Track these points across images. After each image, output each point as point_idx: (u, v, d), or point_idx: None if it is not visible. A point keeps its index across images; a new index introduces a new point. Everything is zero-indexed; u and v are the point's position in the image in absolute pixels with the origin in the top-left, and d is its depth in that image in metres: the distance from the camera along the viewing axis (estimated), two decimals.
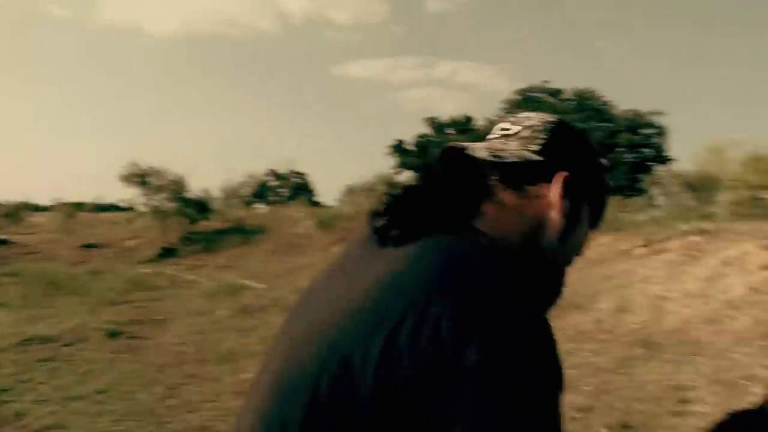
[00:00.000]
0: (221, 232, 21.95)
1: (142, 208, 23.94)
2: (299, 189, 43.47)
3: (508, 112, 37.56)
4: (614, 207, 15.25)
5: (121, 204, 26.29)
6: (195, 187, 24.02)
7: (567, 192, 1.12)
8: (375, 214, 1.12)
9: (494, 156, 1.11)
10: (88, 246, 22.51)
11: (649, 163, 36.95)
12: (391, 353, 0.88)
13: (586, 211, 1.18)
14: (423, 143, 41.53)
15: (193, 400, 5.67)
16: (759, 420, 2.27)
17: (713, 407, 5.20)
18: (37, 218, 31.19)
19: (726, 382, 5.74)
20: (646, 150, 38.75)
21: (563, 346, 1.00)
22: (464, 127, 41.06)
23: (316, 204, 34.74)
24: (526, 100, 39.33)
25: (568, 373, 1.00)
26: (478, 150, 1.14)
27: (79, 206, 31.71)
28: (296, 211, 22.36)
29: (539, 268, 1.13)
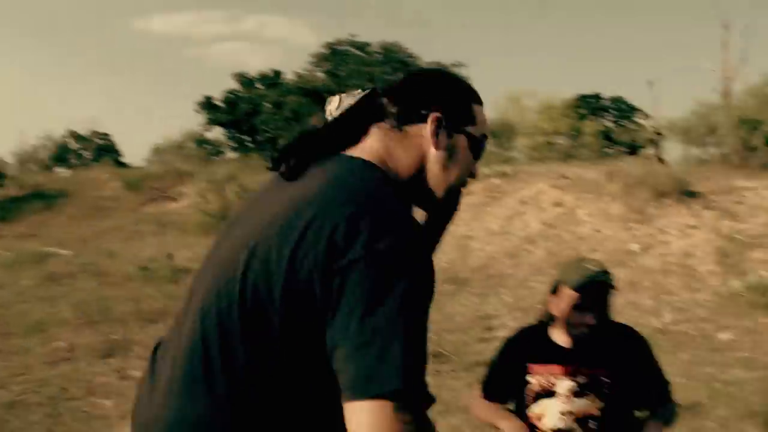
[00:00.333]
0: (18, 200, 20.25)
1: None
2: (103, 150, 40.86)
3: (317, 66, 37.11)
4: None
5: None
6: None
7: (440, 129, 1.27)
8: (280, 154, 1.30)
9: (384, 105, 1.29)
10: None
11: None
12: (297, 255, 1.07)
13: (462, 143, 1.31)
14: (232, 99, 40.43)
15: (1, 376, 5.30)
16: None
17: None
18: None
19: (525, 309, 6.30)
20: None
21: None
22: (273, 81, 40.48)
23: (122, 165, 32.87)
24: (334, 54, 39.48)
25: None
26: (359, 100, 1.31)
27: None
28: (101, 173, 21.04)
29: (426, 199, 1.32)
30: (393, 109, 1.29)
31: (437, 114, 1.27)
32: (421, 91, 1.32)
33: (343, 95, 1.38)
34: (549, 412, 2.36)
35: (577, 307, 2.32)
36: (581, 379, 2.36)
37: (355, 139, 1.28)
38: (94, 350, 5.65)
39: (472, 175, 1.37)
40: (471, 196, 10.87)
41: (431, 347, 4.89)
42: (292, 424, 1.15)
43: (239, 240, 1.19)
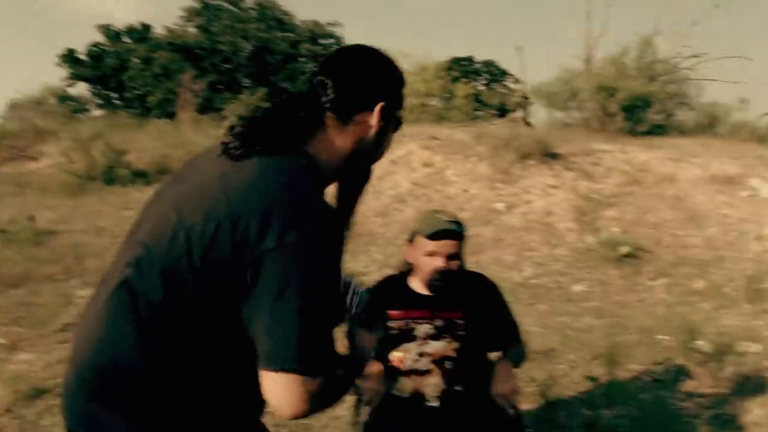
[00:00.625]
0: None
1: None
2: None
3: (188, 21, 35.67)
4: None
5: None
6: None
7: (383, 116, 1.48)
8: (228, 133, 1.43)
9: (324, 94, 1.44)
10: None
11: None
12: (218, 237, 1.26)
13: (392, 124, 1.54)
14: (97, 53, 38.27)
15: None
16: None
17: None
18: None
19: (394, 266, 6.45)
20: None
21: None
22: (142, 36, 38.62)
23: None
24: (207, 8, 38.14)
25: None
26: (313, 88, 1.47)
27: None
28: None
29: (356, 169, 1.53)
30: (337, 97, 1.44)
31: (382, 104, 1.47)
32: (368, 82, 1.48)
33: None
34: (408, 354, 2.50)
35: (429, 255, 2.46)
36: (438, 323, 2.51)
37: (312, 127, 1.44)
38: None
39: (389, 146, 1.60)
40: None
41: None
42: (197, 369, 1.33)
43: (175, 202, 1.38)
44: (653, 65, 13.92)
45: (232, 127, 1.44)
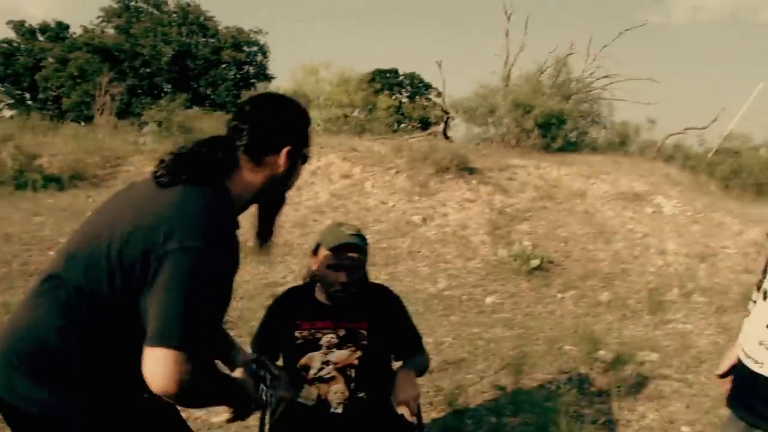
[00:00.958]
0: None
1: None
2: None
3: (107, 21, 34.63)
4: (215, 123, 15.56)
5: None
6: None
7: (290, 158, 1.77)
8: (159, 164, 1.72)
9: (239, 139, 1.74)
10: None
11: (252, 81, 38.12)
12: (133, 240, 1.57)
13: (301, 160, 1.83)
14: (9, 50, 36.87)
15: None
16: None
17: None
18: None
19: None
20: (249, 67, 39.82)
21: None
22: (58, 34, 37.42)
23: None
24: (128, 9, 37.33)
25: None
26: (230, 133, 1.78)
27: None
28: None
29: (268, 200, 1.85)
30: (250, 142, 1.74)
31: (289, 148, 1.76)
32: (276, 129, 1.77)
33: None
34: (313, 362, 2.55)
35: (331, 267, 2.52)
36: (341, 333, 2.58)
37: (228, 166, 1.74)
38: None
39: (299, 177, 1.90)
40: None
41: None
42: (103, 347, 1.62)
43: (108, 215, 1.71)
44: (568, 84, 14.44)
45: (161, 161, 1.74)
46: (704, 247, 8.39)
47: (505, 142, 13.12)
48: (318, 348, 2.57)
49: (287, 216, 8.79)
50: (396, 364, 2.72)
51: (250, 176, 1.76)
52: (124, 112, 23.49)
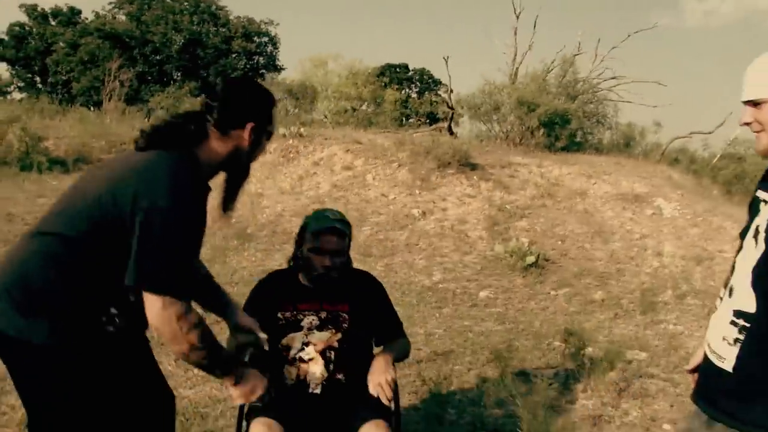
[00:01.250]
0: None
1: None
2: None
3: (118, 8, 34.59)
4: None
5: None
6: None
7: (253, 133, 2.02)
8: (140, 133, 2.00)
9: (210, 114, 2.01)
10: None
11: (262, 71, 38.13)
12: (116, 196, 1.82)
13: (265, 136, 2.09)
14: (21, 33, 36.96)
15: None
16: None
17: None
18: None
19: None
20: (259, 58, 39.83)
21: None
22: (69, 19, 37.47)
23: None
24: None
25: None
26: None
27: None
28: None
29: (235, 170, 2.11)
30: (218, 117, 2.00)
31: (252, 124, 2.02)
32: (242, 107, 2.02)
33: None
34: (294, 343, 2.61)
35: (314, 250, 2.58)
36: (323, 315, 2.63)
37: (198, 136, 1.99)
38: None
39: (264, 151, 2.16)
40: (267, 156, 10.94)
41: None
42: (78, 285, 1.87)
43: (93, 177, 2.00)
44: (574, 84, 14.44)
45: (142, 131, 2.01)
46: (701, 250, 8.41)
47: (509, 140, 13.15)
48: (299, 329, 2.63)
49: (287, 204, 8.85)
50: (377, 350, 2.77)
51: (218, 146, 2.02)
52: (133, 98, 23.56)
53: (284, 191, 9.37)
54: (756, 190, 1.96)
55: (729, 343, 1.85)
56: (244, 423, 2.53)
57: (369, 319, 2.69)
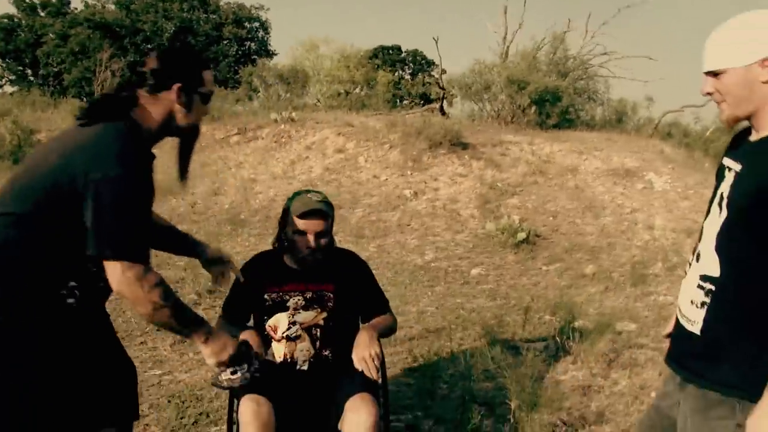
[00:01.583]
0: None
1: None
2: None
3: None
4: (214, 98, 15.59)
5: None
6: None
7: (181, 94, 2.06)
8: (80, 111, 2.08)
9: (140, 79, 2.07)
10: None
11: (254, 57, 37.98)
12: (66, 168, 1.88)
13: (197, 99, 2.12)
14: (10, 25, 36.73)
15: None
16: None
17: None
18: None
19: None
20: (251, 43, 39.66)
21: None
22: (59, 10, 37.23)
23: None
24: None
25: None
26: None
27: None
28: None
29: (177, 134, 2.16)
30: (150, 81, 2.05)
31: (179, 85, 2.05)
32: (168, 68, 2.07)
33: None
34: (281, 323, 2.68)
35: (299, 232, 2.64)
36: (308, 295, 2.70)
37: (129, 102, 2.06)
38: None
39: (207, 112, 2.20)
40: (259, 141, 10.98)
41: (205, 284, 5.05)
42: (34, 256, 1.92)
43: (43, 153, 2.04)
44: (564, 61, 14.44)
45: (80, 108, 2.15)
46: (692, 223, 8.47)
47: (501, 119, 13.18)
48: (286, 309, 2.70)
49: (280, 189, 8.90)
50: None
51: (152, 110, 2.08)
52: None
53: (277, 176, 9.41)
54: (722, 158, 2.02)
55: (697, 307, 1.91)
56: (235, 402, 2.60)
57: (354, 297, 2.76)
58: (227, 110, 14.54)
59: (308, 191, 2.79)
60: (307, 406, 2.56)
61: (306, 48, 24.76)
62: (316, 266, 2.71)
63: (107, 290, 2.00)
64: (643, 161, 10.51)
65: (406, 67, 47.04)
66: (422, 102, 21.04)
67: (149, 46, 35.17)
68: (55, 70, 34.89)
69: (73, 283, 1.97)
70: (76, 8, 37.72)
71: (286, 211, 2.74)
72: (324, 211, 2.67)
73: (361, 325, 2.80)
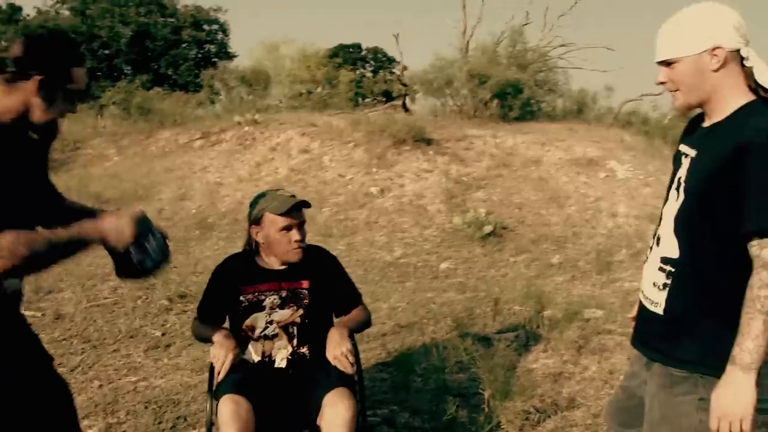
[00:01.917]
0: None
1: None
2: None
3: (62, 3, 33.66)
4: (176, 103, 15.51)
5: None
6: None
7: (43, 86, 1.88)
8: None
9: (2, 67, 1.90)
10: None
11: (214, 60, 37.65)
12: None
13: (61, 95, 1.94)
14: None
15: None
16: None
17: None
18: None
19: None
20: (210, 46, 39.31)
21: None
22: (10, 16, 36.53)
23: None
24: None
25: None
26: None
27: None
28: None
29: (34, 130, 1.98)
30: (11, 68, 1.89)
31: (39, 77, 1.87)
32: (32, 57, 1.90)
33: None
34: (258, 323, 2.72)
35: (286, 228, 2.67)
36: (284, 294, 2.73)
37: None
38: None
39: (72, 111, 2.02)
40: (223, 144, 10.94)
41: (176, 289, 5.03)
42: None
43: None
44: (524, 54, 14.59)
45: None
46: (654, 209, 8.63)
47: (463, 113, 13.27)
48: (262, 309, 2.73)
49: (247, 192, 8.88)
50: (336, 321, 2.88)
51: (6, 100, 1.90)
52: (84, 95, 23.15)
53: (243, 179, 9.39)
54: (679, 144, 2.10)
55: (659, 289, 1.98)
56: (214, 403, 2.62)
57: (328, 292, 2.80)
58: (190, 114, 14.45)
59: (276, 190, 2.82)
60: (286, 403, 2.60)
61: (266, 49, 24.69)
62: (290, 264, 2.75)
63: (17, 296, 1.96)
64: (605, 150, 10.67)
65: (367, 64, 47.09)
66: (385, 99, 21.08)
67: (106, 52, 34.74)
68: None
69: None
70: (28, 15, 37.06)
71: (261, 213, 2.74)
72: (304, 201, 2.73)
73: (334, 323, 2.83)
